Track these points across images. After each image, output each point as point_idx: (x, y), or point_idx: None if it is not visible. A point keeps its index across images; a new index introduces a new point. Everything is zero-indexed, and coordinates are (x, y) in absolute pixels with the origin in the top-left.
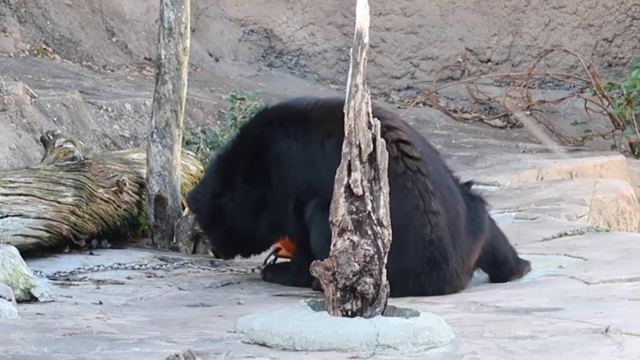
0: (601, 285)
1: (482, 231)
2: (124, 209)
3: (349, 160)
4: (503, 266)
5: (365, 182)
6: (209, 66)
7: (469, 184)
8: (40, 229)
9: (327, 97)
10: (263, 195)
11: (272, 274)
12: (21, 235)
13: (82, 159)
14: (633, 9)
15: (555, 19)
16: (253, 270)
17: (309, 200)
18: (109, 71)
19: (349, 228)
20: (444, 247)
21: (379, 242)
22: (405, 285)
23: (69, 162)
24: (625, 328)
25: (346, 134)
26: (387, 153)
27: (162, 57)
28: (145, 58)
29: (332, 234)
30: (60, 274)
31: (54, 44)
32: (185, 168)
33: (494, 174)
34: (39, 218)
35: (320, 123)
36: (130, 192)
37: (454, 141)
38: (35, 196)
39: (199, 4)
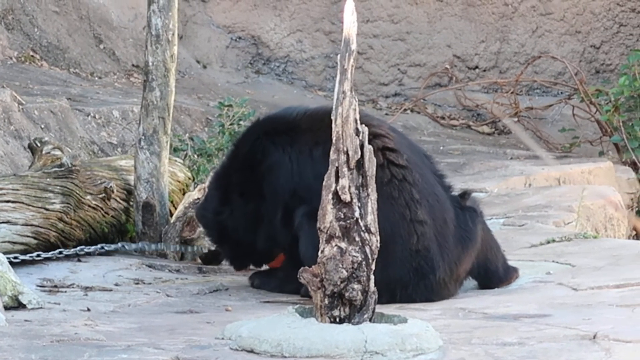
0: (589, 291)
1: (472, 241)
2: (112, 216)
3: (337, 167)
4: (493, 275)
5: (353, 189)
6: (196, 73)
7: (463, 195)
8: (28, 236)
9: (316, 106)
10: (258, 209)
11: (260, 281)
12: (9, 242)
13: (70, 165)
14: (620, 15)
15: (543, 25)
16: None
17: (297, 208)
18: (96, 78)
19: (337, 235)
20: (431, 257)
21: (367, 249)
22: (393, 296)
23: (56, 169)
24: (613, 334)
25: (334, 141)
26: (374, 160)
27: (150, 64)
28: (133, 65)
29: (320, 241)
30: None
31: (42, 51)
32: (173, 175)
33: (481, 181)
34: (27, 225)
35: (308, 132)
36: (118, 199)
37: (441, 148)
38: (22, 203)
39: (187, 11)
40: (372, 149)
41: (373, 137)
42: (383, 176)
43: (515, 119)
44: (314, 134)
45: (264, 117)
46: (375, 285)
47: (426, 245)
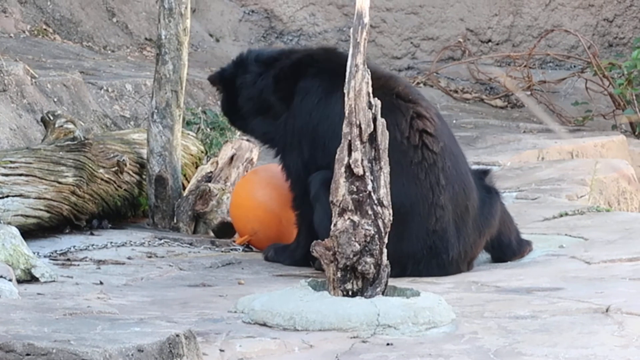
0: (602, 265)
1: (491, 226)
2: (125, 189)
3: (350, 140)
4: (506, 248)
5: (365, 162)
6: (209, 46)
7: (485, 172)
8: (41, 209)
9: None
10: (279, 109)
11: (274, 253)
12: (22, 215)
13: (83, 139)
14: None
15: None
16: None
17: (316, 161)
18: (109, 52)
19: (350, 208)
20: (447, 238)
21: (380, 222)
22: (404, 269)
23: (69, 142)
24: (625, 308)
25: (346, 114)
26: (387, 133)
27: (163, 37)
28: (146, 38)
29: (333, 214)
30: (59, 252)
31: (55, 24)
32: (186, 148)
33: (494, 154)
34: (40, 198)
35: None
36: (130, 172)
37: (454, 121)
38: (35, 176)
39: None
40: (384, 122)
41: (417, 116)
42: (414, 156)
43: (528, 93)
44: None
45: (337, 49)
46: (388, 257)
47: (444, 227)
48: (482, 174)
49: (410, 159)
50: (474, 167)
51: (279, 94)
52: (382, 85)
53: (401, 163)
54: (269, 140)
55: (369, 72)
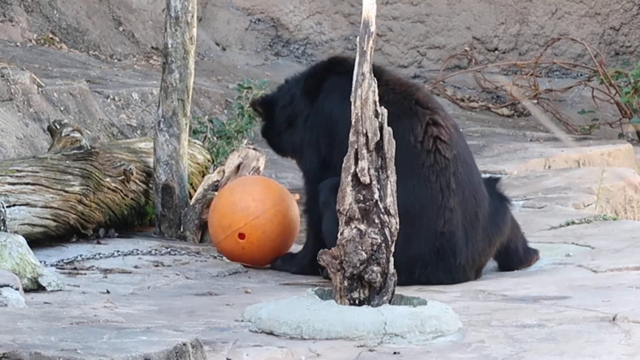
0: (608, 273)
1: (501, 236)
2: (131, 198)
3: (356, 149)
4: (513, 256)
5: (372, 171)
6: (215, 55)
7: (496, 180)
8: (48, 218)
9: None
10: (302, 107)
11: (281, 262)
12: (28, 224)
13: (89, 148)
14: None
15: (562, 7)
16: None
17: (332, 158)
18: (115, 60)
19: (356, 217)
20: (455, 241)
21: (386, 231)
22: (411, 274)
23: (76, 151)
24: (632, 316)
25: (353, 123)
26: (394, 142)
27: (169, 46)
28: (152, 47)
29: (340, 223)
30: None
31: (61, 33)
32: (192, 157)
33: (501, 163)
34: (46, 207)
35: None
36: (137, 181)
37: (461, 130)
38: (42, 185)
39: None
40: (391, 130)
41: (432, 123)
42: (427, 160)
43: (535, 101)
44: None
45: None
46: (395, 262)
47: (452, 230)
48: (493, 182)
49: (422, 162)
50: (484, 175)
51: (306, 87)
52: (404, 91)
53: (413, 166)
54: (294, 149)
55: (375, 82)
